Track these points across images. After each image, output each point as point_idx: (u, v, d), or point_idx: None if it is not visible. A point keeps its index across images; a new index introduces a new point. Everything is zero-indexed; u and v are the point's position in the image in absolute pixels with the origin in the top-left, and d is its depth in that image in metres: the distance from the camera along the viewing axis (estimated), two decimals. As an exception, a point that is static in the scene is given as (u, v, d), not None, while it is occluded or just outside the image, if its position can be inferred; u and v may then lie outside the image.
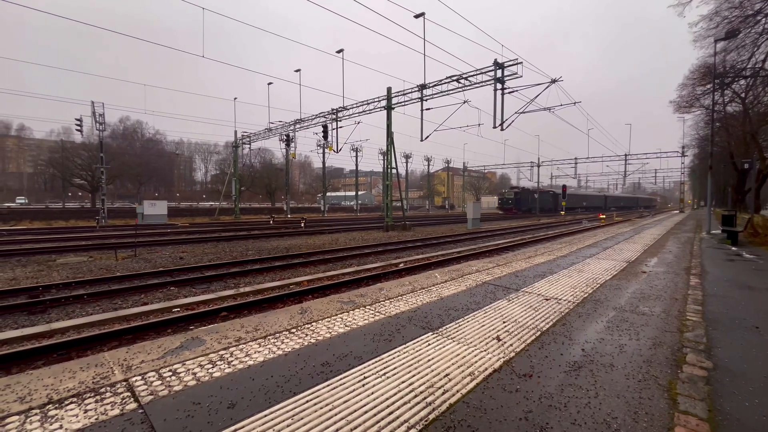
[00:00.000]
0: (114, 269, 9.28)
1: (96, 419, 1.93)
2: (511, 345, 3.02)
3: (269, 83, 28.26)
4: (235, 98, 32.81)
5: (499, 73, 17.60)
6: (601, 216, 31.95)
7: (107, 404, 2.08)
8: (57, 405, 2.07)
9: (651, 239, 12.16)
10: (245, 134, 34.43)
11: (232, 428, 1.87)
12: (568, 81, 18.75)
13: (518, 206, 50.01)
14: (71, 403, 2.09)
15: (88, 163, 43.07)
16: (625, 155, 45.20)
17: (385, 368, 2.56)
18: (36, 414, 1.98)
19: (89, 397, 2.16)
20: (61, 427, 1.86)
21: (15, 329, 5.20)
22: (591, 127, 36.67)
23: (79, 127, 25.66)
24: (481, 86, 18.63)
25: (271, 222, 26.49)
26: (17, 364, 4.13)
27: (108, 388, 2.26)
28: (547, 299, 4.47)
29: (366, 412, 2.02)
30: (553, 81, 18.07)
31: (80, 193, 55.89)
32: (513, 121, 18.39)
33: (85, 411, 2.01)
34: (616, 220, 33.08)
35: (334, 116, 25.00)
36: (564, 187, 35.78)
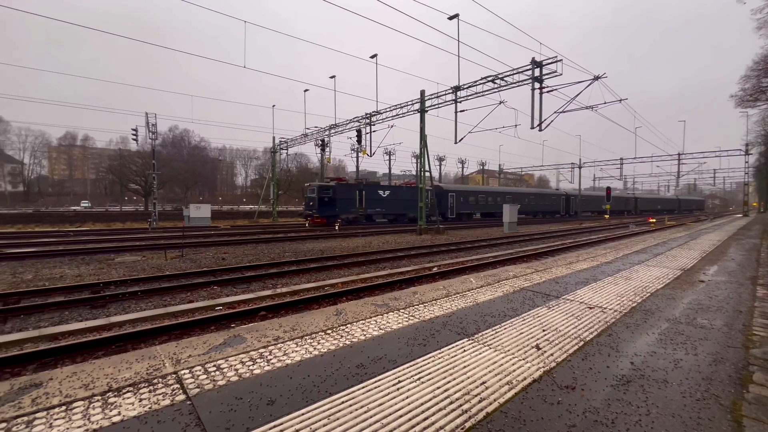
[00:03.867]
0: (164, 268, 9.94)
1: (150, 408, 2.07)
2: (551, 355, 2.89)
3: (305, 90, 29.19)
4: (274, 105, 34.16)
5: (537, 72, 16.96)
6: (651, 220, 29.84)
7: (159, 394, 2.23)
8: (116, 393, 2.24)
9: (710, 245, 11.17)
10: (283, 140, 35.68)
11: (271, 425, 1.93)
12: (613, 77, 17.75)
13: (327, 212, 26.24)
14: (128, 392, 2.26)
15: (142, 169, 46.65)
16: (679, 154, 41.89)
17: (419, 373, 2.54)
18: (98, 400, 2.16)
19: (144, 387, 2.32)
20: (119, 413, 2.02)
21: (80, 321, 5.72)
22: (639, 125, 34.44)
23: (134, 137, 27.86)
24: (518, 86, 18.06)
25: (307, 225, 27.19)
26: (81, 353, 4.53)
27: (160, 380, 2.42)
28: (590, 308, 4.24)
29: (401, 416, 2.02)
30: (596, 78, 17.17)
31: (135, 197, 60.50)
32: (552, 121, 17.67)
33: (140, 400, 2.16)
34: (669, 224, 30.73)
35: (367, 120, 25.29)
36: (608, 189, 33.87)
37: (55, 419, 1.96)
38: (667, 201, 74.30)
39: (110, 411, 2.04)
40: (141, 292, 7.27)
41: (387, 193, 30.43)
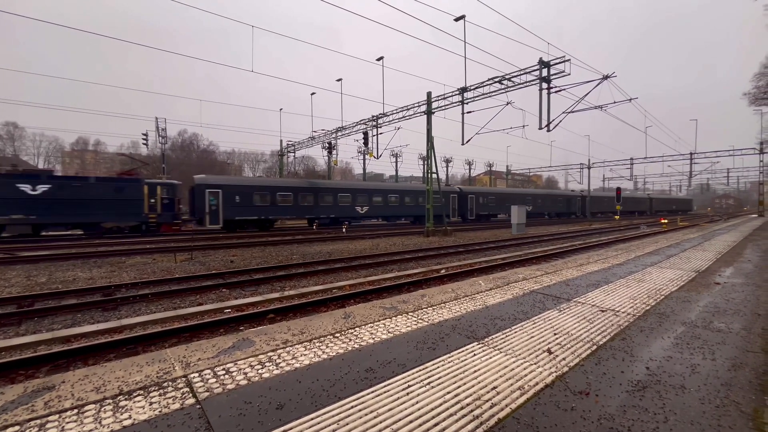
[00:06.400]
0: (173, 271, 10.04)
1: (160, 412, 2.07)
2: (563, 359, 2.84)
3: (312, 93, 29.34)
4: (281, 109, 34.44)
5: (544, 72, 16.83)
6: (663, 220, 29.34)
7: (169, 398, 2.23)
8: (127, 396, 2.25)
9: (724, 246, 10.93)
10: (290, 143, 35.96)
11: (281, 429, 1.92)
12: (623, 77, 17.53)
13: None
14: (138, 395, 2.27)
15: (152, 173, 47.33)
16: (691, 154, 41.19)
17: (429, 377, 2.51)
18: (109, 404, 2.17)
19: (154, 390, 2.33)
20: (130, 417, 2.02)
21: (92, 324, 5.79)
22: (649, 125, 33.87)
23: (145, 141, 28.31)
24: (526, 86, 17.95)
25: (314, 227, 27.29)
26: (93, 356, 4.58)
27: (170, 383, 2.42)
28: (602, 311, 4.16)
29: (411, 422, 1.99)
30: (605, 77, 16.98)
31: (145, 201, 61.37)
32: (560, 122, 17.50)
33: (151, 403, 2.17)
34: (681, 225, 30.20)
35: (374, 123, 25.34)
36: (618, 189, 33.44)
37: (67, 422, 1.97)
38: (634, 201, 58.85)
39: (121, 414, 2.05)
40: (151, 294, 7.35)
41: (43, 188, 18.28)
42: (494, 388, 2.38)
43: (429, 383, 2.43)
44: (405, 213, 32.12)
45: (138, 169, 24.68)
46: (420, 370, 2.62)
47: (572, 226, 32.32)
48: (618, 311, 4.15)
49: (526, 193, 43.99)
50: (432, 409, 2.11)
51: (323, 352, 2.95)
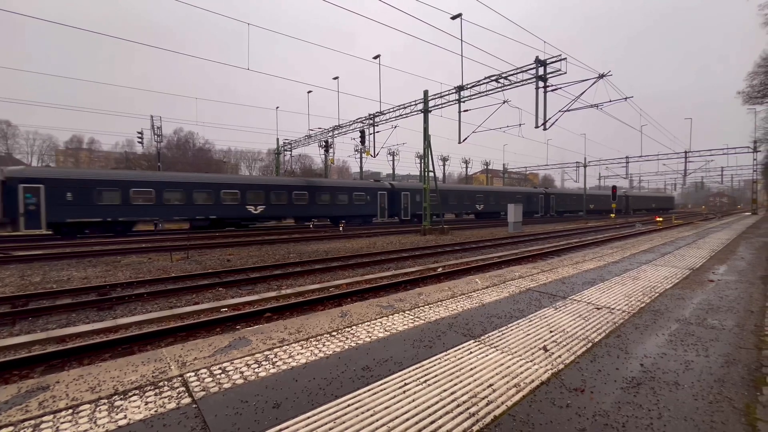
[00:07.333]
0: (169, 270, 9.98)
1: (156, 411, 2.07)
2: (559, 356, 2.85)
3: (309, 91, 29.25)
4: (277, 107, 34.30)
5: (540, 71, 16.88)
6: (658, 219, 29.54)
7: (165, 398, 2.22)
8: (122, 396, 2.24)
9: (718, 244, 11.03)
10: (286, 141, 35.84)
11: (277, 428, 1.92)
12: (619, 75, 17.59)
13: None
14: (134, 395, 2.26)
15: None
16: (685, 152, 41.46)
17: (425, 375, 2.52)
18: (104, 404, 2.16)
19: (149, 390, 2.32)
20: (125, 417, 2.01)
21: (87, 323, 5.75)
22: (644, 123, 33.96)
23: (140, 140, 28.13)
24: (522, 85, 17.98)
25: (311, 226, 27.24)
26: (88, 355, 4.55)
27: (166, 383, 2.42)
28: (598, 308, 4.19)
29: (407, 420, 2.00)
30: (601, 76, 17.04)
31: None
32: (557, 120, 17.56)
33: (146, 403, 2.16)
34: (676, 223, 30.42)
35: (371, 121, 25.31)
36: (614, 188, 33.61)
37: (62, 422, 1.96)
38: (607, 199, 48.20)
39: (116, 414, 2.04)
40: (147, 293, 7.31)
41: None
42: (490, 385, 2.39)
43: (426, 381, 2.44)
44: (316, 213, 27.52)
45: None
46: (417, 368, 2.63)
47: (568, 224, 32.47)
48: (613, 309, 4.18)
49: (476, 191, 39.21)
50: (428, 407, 2.12)
51: (320, 351, 2.95)
